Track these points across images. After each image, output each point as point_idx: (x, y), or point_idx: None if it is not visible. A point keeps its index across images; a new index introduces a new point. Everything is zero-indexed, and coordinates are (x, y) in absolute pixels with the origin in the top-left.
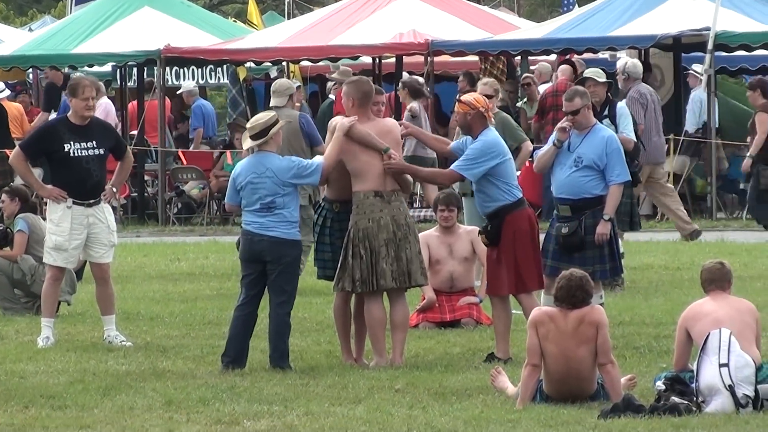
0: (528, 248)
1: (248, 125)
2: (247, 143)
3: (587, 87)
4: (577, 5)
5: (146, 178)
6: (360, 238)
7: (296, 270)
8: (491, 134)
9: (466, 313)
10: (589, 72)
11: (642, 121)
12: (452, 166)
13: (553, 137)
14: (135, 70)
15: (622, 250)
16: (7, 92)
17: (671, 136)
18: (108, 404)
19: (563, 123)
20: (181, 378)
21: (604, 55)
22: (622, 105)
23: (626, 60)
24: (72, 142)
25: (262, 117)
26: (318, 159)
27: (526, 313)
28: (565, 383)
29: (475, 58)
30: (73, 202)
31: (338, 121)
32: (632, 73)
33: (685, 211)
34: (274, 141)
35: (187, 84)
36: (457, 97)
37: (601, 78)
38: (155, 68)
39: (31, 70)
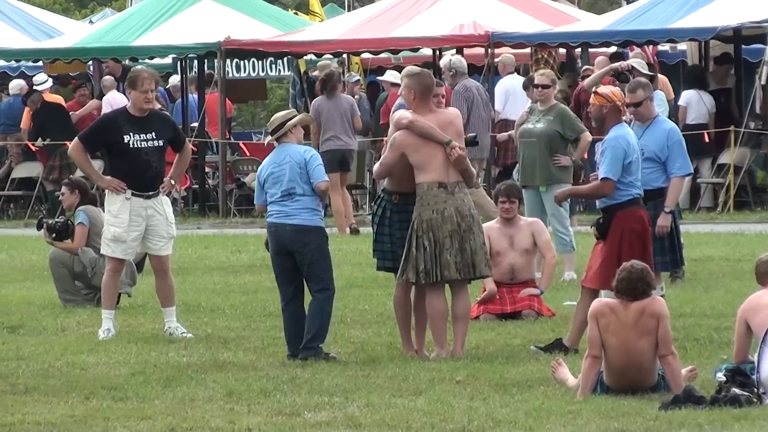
0: (634, 248)
1: (269, 122)
2: (267, 138)
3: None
4: None
5: (207, 170)
6: (424, 230)
7: (326, 256)
8: (623, 130)
9: (526, 305)
10: (634, 62)
11: (466, 116)
12: (602, 174)
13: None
14: (195, 62)
15: (682, 241)
16: (49, 83)
17: (732, 128)
18: (169, 395)
19: (625, 117)
20: (242, 369)
21: (665, 47)
22: (658, 91)
23: (450, 57)
24: (131, 134)
25: (281, 114)
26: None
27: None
28: (626, 375)
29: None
30: (132, 194)
31: (400, 115)
32: (458, 68)
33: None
34: (293, 134)
35: None
36: (594, 89)
37: (645, 69)
38: (215, 60)
39: (92, 62)
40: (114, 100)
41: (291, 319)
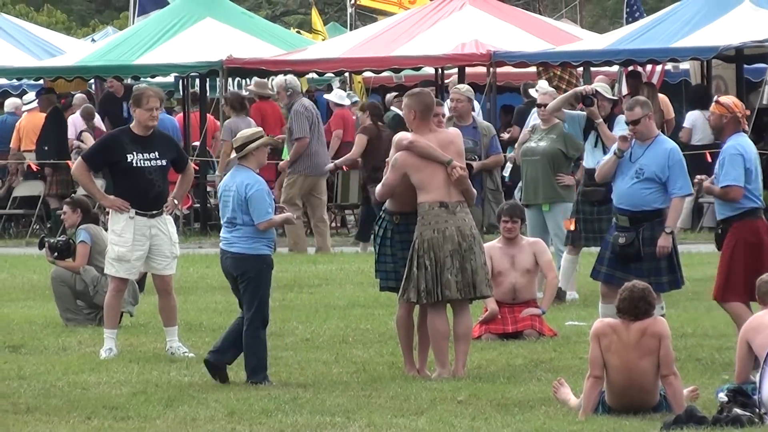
0: (747, 259)
1: (235, 138)
2: (232, 154)
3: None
4: (645, 13)
5: (208, 189)
6: (425, 249)
7: (259, 285)
8: (742, 139)
9: (528, 325)
10: (599, 86)
11: (307, 134)
12: (723, 183)
13: (614, 147)
14: (197, 80)
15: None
16: (34, 104)
17: None
18: (170, 415)
19: (625, 132)
20: (244, 389)
21: (666, 66)
22: (621, 115)
23: (284, 77)
24: (135, 153)
25: (247, 131)
26: (274, 216)
27: (735, 320)
28: (628, 395)
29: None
30: (136, 213)
31: (400, 136)
32: (294, 88)
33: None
34: (254, 157)
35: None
36: (716, 98)
37: (608, 93)
38: (217, 79)
39: (93, 80)
40: (77, 119)
41: (232, 327)
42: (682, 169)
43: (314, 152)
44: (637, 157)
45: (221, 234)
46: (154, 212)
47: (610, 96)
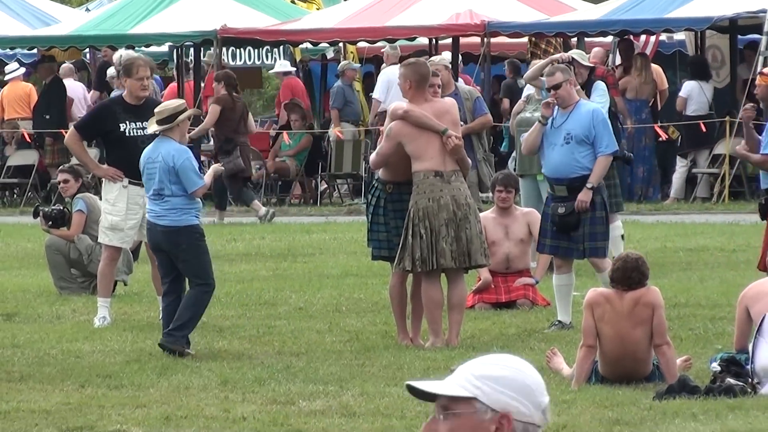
0: None
1: (156, 110)
2: (152, 127)
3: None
4: None
5: (202, 158)
6: (420, 218)
7: (200, 253)
8: None
9: (521, 294)
10: (575, 53)
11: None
12: (766, 150)
13: (537, 115)
14: (192, 50)
15: (622, 231)
16: (21, 71)
17: (727, 119)
18: (164, 384)
19: (547, 99)
20: (237, 358)
21: (661, 37)
22: (598, 81)
23: (121, 53)
24: (128, 122)
25: (171, 103)
26: (205, 179)
27: None
28: (621, 364)
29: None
30: (129, 182)
31: (395, 105)
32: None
33: None
34: (179, 129)
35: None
36: (759, 70)
37: (585, 60)
38: (211, 48)
39: (88, 50)
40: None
41: (167, 310)
42: (607, 128)
43: None
44: (561, 123)
45: (147, 206)
46: None
47: (586, 63)
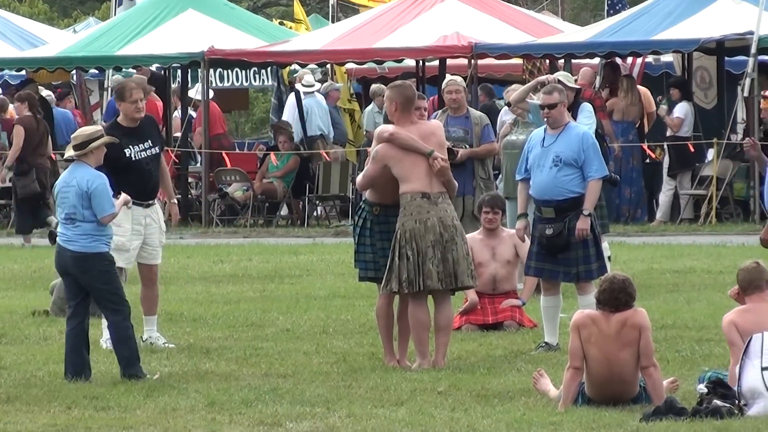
0: None
1: (73, 135)
2: (68, 152)
3: None
4: (628, 5)
5: (190, 180)
6: (407, 239)
7: (110, 280)
8: None
9: (508, 316)
10: (561, 75)
11: None
12: None
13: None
14: (179, 72)
15: (608, 253)
16: None
17: (714, 140)
18: (151, 405)
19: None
20: (224, 379)
21: (648, 59)
22: (585, 103)
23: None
24: (131, 146)
25: (87, 129)
26: (115, 207)
27: None
28: (608, 386)
29: (519, 61)
30: (133, 203)
31: (381, 128)
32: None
33: None
34: (93, 155)
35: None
36: (764, 92)
37: (570, 82)
38: (199, 70)
39: (75, 71)
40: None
41: (71, 334)
42: (597, 152)
43: None
44: (549, 144)
45: (59, 230)
46: (149, 202)
47: (572, 85)
